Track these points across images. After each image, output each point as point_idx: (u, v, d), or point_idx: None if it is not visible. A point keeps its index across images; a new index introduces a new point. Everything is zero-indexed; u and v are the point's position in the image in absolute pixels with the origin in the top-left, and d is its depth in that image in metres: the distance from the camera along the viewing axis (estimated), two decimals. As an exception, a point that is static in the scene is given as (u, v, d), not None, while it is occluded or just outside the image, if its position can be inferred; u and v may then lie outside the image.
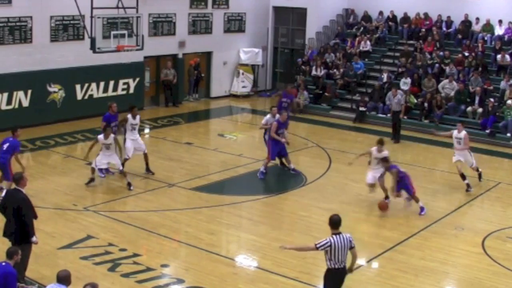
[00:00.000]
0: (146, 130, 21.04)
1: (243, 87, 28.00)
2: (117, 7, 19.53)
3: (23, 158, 17.59)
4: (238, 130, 22.96)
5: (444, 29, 26.63)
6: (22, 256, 8.96)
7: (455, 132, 16.17)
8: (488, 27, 25.56)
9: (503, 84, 22.63)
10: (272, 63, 29.43)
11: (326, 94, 25.27)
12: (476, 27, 25.94)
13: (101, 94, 22.58)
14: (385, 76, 24.68)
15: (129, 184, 15.13)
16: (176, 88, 25.33)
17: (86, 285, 7.64)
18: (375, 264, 11.78)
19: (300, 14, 28.30)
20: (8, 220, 9.99)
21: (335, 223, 8.88)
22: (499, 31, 25.31)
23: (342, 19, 29.21)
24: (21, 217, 9.75)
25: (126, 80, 23.43)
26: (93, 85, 22.40)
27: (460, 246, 12.61)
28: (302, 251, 9.57)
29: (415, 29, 27.03)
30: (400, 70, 25.05)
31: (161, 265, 11.23)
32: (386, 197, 14.53)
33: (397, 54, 26.14)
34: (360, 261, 11.68)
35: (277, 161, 17.27)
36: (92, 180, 15.17)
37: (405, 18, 27.46)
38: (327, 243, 8.70)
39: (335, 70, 26.25)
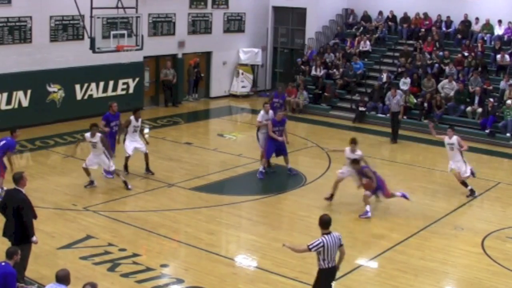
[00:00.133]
0: (146, 130, 21.03)
1: (243, 87, 27.99)
2: (117, 7, 19.52)
3: (22, 158, 17.70)
4: (237, 130, 22.93)
5: (444, 29, 26.62)
6: (22, 256, 8.96)
7: (446, 138, 15.43)
8: (487, 27, 25.58)
9: (502, 84, 22.62)
10: (272, 63, 29.39)
11: (326, 94, 25.26)
12: (476, 27, 25.93)
13: (100, 94, 22.57)
14: (384, 76, 24.66)
15: (125, 183, 15.07)
16: (175, 88, 25.32)
17: (86, 285, 7.62)
18: (374, 264, 11.76)
19: (299, 14, 28.27)
20: (8, 220, 9.99)
21: (325, 223, 8.85)
22: (498, 31, 25.30)
23: (341, 19, 29.20)
24: (21, 217, 9.74)
25: (125, 80, 23.43)
26: (93, 85, 22.40)
27: (459, 246, 12.60)
28: (296, 252, 9.47)
29: (414, 29, 27.02)
30: (399, 70, 25.05)
31: (161, 265, 11.22)
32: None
33: (397, 54, 26.13)
34: (360, 261, 11.73)
35: (271, 160, 17.00)
36: (91, 182, 15.11)
37: (405, 18, 27.45)
38: (320, 243, 8.67)
39: (334, 70, 26.23)
